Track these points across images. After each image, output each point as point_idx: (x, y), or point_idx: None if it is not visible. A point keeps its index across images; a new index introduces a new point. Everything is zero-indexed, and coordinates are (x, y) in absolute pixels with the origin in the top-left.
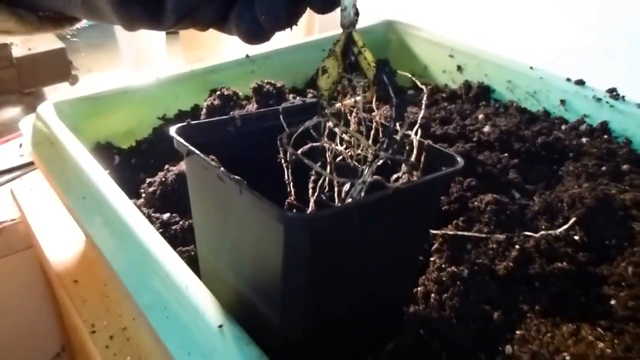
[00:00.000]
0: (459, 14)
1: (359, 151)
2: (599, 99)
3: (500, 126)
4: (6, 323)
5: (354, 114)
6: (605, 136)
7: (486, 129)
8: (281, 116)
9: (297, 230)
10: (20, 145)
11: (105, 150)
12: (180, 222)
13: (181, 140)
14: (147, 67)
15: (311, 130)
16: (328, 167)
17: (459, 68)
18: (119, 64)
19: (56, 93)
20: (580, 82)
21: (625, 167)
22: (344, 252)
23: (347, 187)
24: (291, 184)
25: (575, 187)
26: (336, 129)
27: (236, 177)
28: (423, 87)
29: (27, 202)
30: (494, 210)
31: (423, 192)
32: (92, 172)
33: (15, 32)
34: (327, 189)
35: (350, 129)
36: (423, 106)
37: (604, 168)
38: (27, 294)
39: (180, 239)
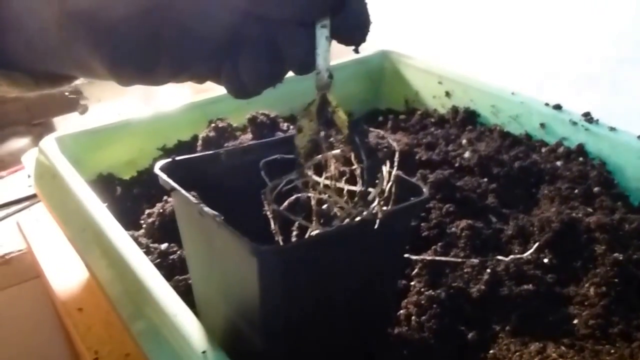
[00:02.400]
0: (449, 43)
1: (337, 198)
2: (575, 123)
3: (480, 151)
4: (16, 351)
5: (332, 166)
6: (581, 158)
7: (467, 154)
8: (262, 172)
9: (269, 262)
10: (29, 176)
11: (107, 182)
12: (178, 252)
13: (164, 177)
14: (154, 94)
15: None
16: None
17: (447, 94)
18: (128, 93)
19: (65, 123)
20: (558, 107)
21: (596, 189)
22: (316, 279)
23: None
24: (277, 232)
25: (552, 209)
26: (312, 185)
27: (214, 212)
28: (395, 144)
29: (32, 233)
30: (469, 236)
31: (388, 222)
32: (91, 206)
33: (10, 93)
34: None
35: (329, 179)
36: (396, 162)
37: (576, 191)
38: (36, 322)
39: (177, 268)
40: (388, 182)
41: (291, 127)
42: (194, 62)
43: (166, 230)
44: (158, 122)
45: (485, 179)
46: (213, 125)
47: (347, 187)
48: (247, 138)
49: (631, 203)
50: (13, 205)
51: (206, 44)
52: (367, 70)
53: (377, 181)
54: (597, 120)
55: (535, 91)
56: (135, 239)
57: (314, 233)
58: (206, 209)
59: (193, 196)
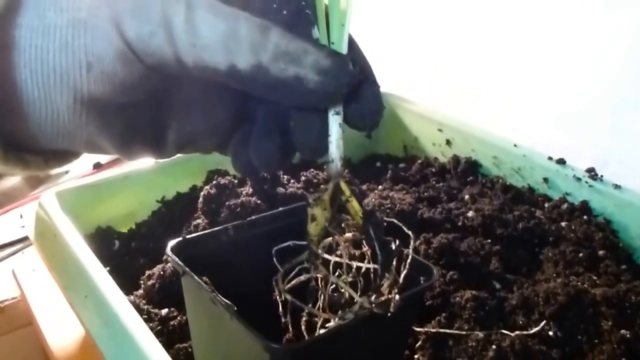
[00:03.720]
0: (446, 79)
1: (350, 279)
2: (579, 179)
3: (483, 210)
4: None
5: (345, 249)
6: (585, 216)
7: (470, 213)
8: (274, 259)
9: (281, 358)
10: (21, 216)
11: (105, 235)
12: (178, 318)
13: (176, 259)
14: None
15: (305, 262)
16: (322, 295)
17: (448, 142)
18: None
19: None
20: (561, 162)
21: (601, 252)
22: None
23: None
24: (287, 316)
25: (554, 274)
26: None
27: (227, 302)
28: (410, 232)
29: (28, 284)
30: (474, 307)
31: (399, 309)
32: (94, 273)
33: (22, 174)
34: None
35: (340, 263)
36: (411, 250)
37: (581, 254)
38: None
39: (177, 334)
40: (403, 269)
41: (291, 180)
42: (200, 137)
43: (166, 293)
44: (157, 174)
45: (489, 240)
46: (214, 182)
47: (357, 264)
48: (247, 193)
49: (635, 261)
50: (6, 247)
51: (211, 121)
52: None
53: (390, 267)
54: (602, 176)
55: (532, 131)
56: (137, 306)
57: (323, 320)
58: (219, 297)
59: (205, 282)
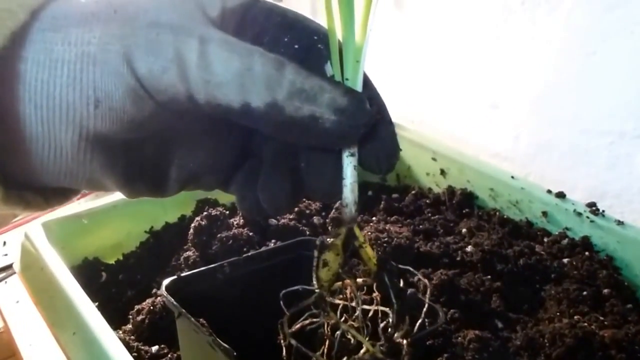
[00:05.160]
0: (444, 110)
1: (358, 325)
2: (580, 214)
3: (482, 245)
4: None
5: (357, 295)
6: (587, 253)
7: (469, 248)
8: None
9: None
10: (4, 243)
11: (92, 267)
12: (169, 355)
13: (172, 300)
14: None
15: (313, 307)
16: (328, 340)
17: (442, 172)
18: None
19: None
20: (561, 195)
21: (605, 291)
22: None
23: None
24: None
25: (557, 313)
26: (340, 322)
27: (227, 347)
28: (426, 280)
29: (11, 315)
30: (477, 348)
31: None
32: (83, 308)
33: (20, 213)
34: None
35: (348, 307)
36: (427, 298)
37: (585, 293)
38: None
39: None
40: (418, 319)
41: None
42: (203, 174)
43: (156, 328)
44: (145, 204)
45: (489, 276)
46: (205, 213)
47: (364, 307)
48: (238, 223)
49: (638, 299)
50: None
51: (215, 157)
52: None
53: (405, 316)
54: (603, 211)
55: (526, 162)
56: (126, 343)
57: None
58: (218, 341)
59: (202, 324)
